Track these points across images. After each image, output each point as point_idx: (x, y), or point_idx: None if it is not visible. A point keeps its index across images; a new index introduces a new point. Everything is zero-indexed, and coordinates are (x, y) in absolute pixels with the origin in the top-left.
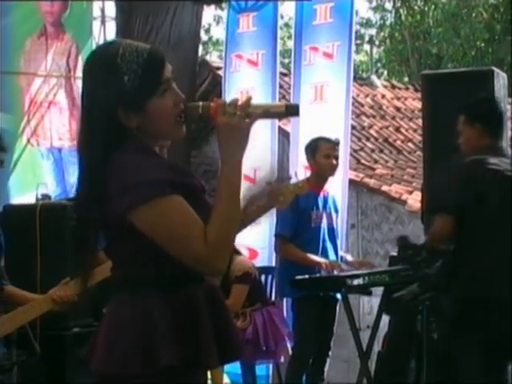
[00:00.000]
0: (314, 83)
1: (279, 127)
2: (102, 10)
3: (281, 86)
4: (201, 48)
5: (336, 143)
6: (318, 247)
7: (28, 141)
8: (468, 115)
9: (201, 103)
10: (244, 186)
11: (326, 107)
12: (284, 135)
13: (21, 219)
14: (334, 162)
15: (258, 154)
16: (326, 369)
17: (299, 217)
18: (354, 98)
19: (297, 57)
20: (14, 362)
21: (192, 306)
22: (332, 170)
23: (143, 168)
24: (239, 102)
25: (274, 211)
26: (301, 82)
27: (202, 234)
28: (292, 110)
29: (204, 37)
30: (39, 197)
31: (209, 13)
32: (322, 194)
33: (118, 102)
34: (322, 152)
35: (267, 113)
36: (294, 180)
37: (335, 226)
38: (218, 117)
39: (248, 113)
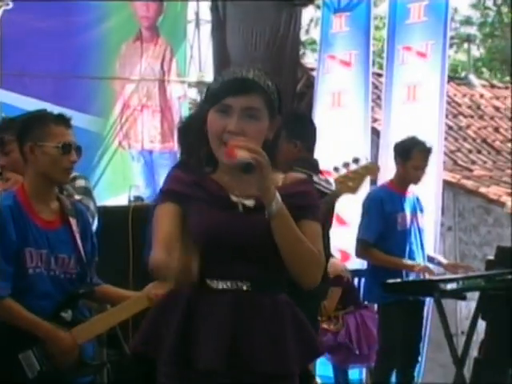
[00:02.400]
0: (406, 83)
1: (375, 128)
2: (197, 14)
3: (376, 87)
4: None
5: (429, 152)
6: (405, 250)
7: (120, 143)
8: None
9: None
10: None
11: (419, 107)
12: (378, 135)
13: (113, 221)
14: (422, 173)
15: (349, 152)
16: (416, 373)
17: (385, 220)
18: (451, 97)
19: (390, 56)
20: (104, 361)
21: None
22: (418, 180)
23: (165, 179)
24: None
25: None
26: (393, 82)
27: (161, 237)
28: (244, 169)
29: (303, 38)
30: (131, 199)
31: (308, 14)
32: (406, 196)
33: (203, 102)
34: (413, 162)
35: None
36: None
37: (421, 227)
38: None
39: None
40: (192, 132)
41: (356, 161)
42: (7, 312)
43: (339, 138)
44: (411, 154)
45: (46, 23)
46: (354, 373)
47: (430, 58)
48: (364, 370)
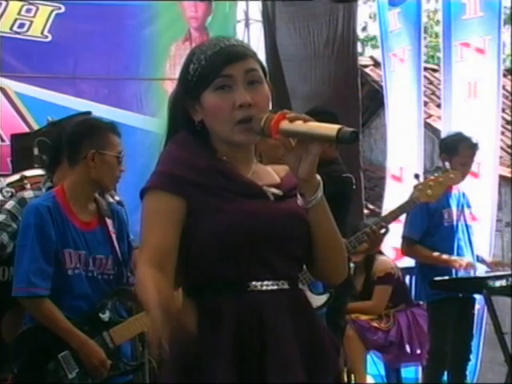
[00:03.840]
0: (466, 80)
1: (429, 124)
2: (246, 13)
3: (431, 82)
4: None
5: (476, 148)
6: (453, 246)
7: None
8: None
9: (266, 115)
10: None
11: (479, 103)
12: (434, 132)
13: None
14: (469, 169)
15: (404, 152)
16: (470, 372)
17: (430, 217)
18: (508, 91)
19: (446, 52)
20: (142, 361)
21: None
22: (464, 177)
23: (164, 159)
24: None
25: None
26: (452, 79)
27: (154, 243)
28: (344, 137)
29: (361, 35)
30: None
31: (364, 11)
32: (453, 192)
33: (183, 90)
34: (460, 158)
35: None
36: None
37: (469, 223)
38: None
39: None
40: (174, 128)
41: (438, 169)
42: (44, 314)
43: (398, 135)
44: (458, 150)
45: (97, 26)
46: (409, 371)
47: (488, 53)
48: (420, 369)
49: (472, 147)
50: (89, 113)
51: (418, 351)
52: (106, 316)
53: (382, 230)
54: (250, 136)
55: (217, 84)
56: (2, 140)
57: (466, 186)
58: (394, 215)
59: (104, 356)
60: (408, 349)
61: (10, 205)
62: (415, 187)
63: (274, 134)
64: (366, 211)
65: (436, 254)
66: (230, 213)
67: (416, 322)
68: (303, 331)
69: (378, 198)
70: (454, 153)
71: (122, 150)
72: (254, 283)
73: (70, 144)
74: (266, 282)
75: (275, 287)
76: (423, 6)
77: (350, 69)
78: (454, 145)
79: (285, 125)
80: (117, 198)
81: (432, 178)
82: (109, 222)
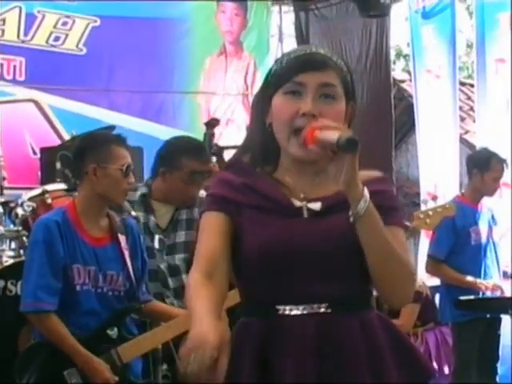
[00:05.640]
0: (503, 95)
1: (466, 140)
2: (280, 27)
3: (469, 98)
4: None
5: (505, 163)
6: (481, 265)
7: None
8: None
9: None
10: None
11: None
12: (471, 148)
13: None
14: (499, 185)
15: (439, 168)
16: None
17: (456, 235)
18: None
19: (480, 68)
20: (150, 380)
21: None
22: (494, 192)
23: (212, 183)
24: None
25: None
26: (487, 94)
27: (203, 253)
28: (342, 144)
29: (406, 50)
30: None
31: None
32: (479, 209)
33: (262, 90)
34: (493, 173)
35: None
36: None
37: (496, 242)
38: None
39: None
40: (251, 126)
41: (435, 198)
42: (49, 329)
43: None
44: (490, 165)
45: (132, 39)
46: None
47: None
48: None
49: (502, 162)
50: (113, 127)
51: (447, 371)
52: (113, 333)
53: None
54: (304, 151)
55: (287, 88)
56: (35, 153)
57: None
58: None
59: (108, 374)
60: (436, 368)
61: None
62: (415, 216)
63: (308, 144)
64: None
65: (461, 275)
66: (256, 231)
67: (445, 341)
68: (333, 353)
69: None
70: (485, 168)
71: (129, 163)
72: (282, 307)
73: (75, 159)
74: (296, 307)
75: (305, 312)
76: (457, 23)
77: (383, 84)
78: (486, 160)
79: (317, 134)
80: (133, 213)
81: (431, 207)
82: (122, 238)
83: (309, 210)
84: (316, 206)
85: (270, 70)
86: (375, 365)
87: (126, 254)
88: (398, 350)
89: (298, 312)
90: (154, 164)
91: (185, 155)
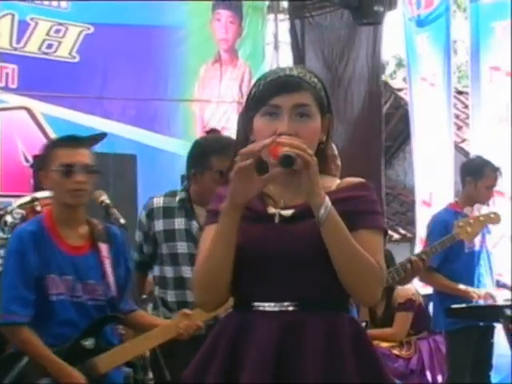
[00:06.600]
0: (498, 104)
1: (461, 148)
2: (275, 35)
3: (466, 106)
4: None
5: (498, 171)
6: (474, 273)
7: None
8: None
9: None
10: None
11: (509, 127)
12: (467, 156)
13: None
14: (493, 193)
15: (435, 177)
16: None
17: (451, 244)
18: None
19: (474, 76)
20: None
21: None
22: (488, 200)
23: (214, 195)
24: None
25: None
26: (482, 103)
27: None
28: (282, 162)
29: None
30: None
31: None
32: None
33: (245, 110)
34: (486, 181)
35: None
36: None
37: (490, 250)
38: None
39: None
40: (236, 143)
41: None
42: (22, 341)
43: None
44: (484, 173)
45: (126, 47)
46: None
47: None
48: None
49: (495, 170)
50: (104, 134)
51: (440, 380)
52: (89, 343)
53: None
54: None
55: (265, 111)
56: (27, 160)
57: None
58: (434, 250)
59: (83, 382)
60: (429, 377)
61: None
62: (456, 224)
63: (272, 158)
64: (397, 236)
65: (453, 283)
66: (238, 239)
67: (438, 349)
68: (292, 352)
69: (410, 222)
70: (479, 176)
71: (73, 160)
72: (257, 303)
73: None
74: (268, 304)
75: (276, 309)
76: (452, 31)
77: (374, 92)
78: (479, 168)
79: (278, 150)
80: (122, 220)
81: (473, 216)
82: (103, 246)
83: (281, 216)
84: (288, 212)
85: (250, 92)
86: (333, 366)
87: (107, 262)
88: (361, 356)
89: (269, 309)
90: (186, 167)
91: (214, 154)
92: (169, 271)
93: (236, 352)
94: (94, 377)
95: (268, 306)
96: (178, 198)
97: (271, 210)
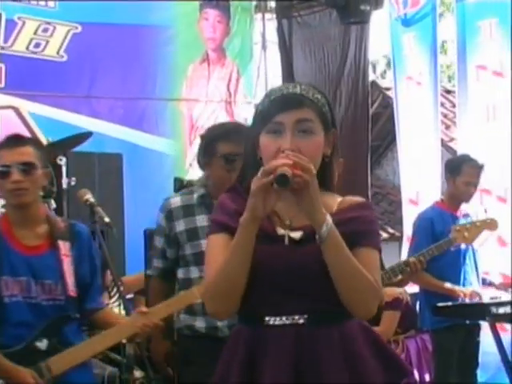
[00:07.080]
0: (484, 103)
1: (449, 147)
2: (263, 35)
3: (454, 105)
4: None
5: (481, 168)
6: (460, 271)
7: (190, 165)
8: None
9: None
10: None
11: (497, 127)
12: (454, 155)
13: None
14: (474, 189)
15: (421, 175)
16: None
17: (435, 241)
18: None
19: (461, 75)
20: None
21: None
22: (469, 197)
23: (215, 207)
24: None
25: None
26: (469, 102)
27: (211, 272)
28: (277, 181)
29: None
30: None
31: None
32: (457, 215)
33: (252, 126)
34: (463, 177)
35: None
36: (483, 215)
37: (475, 248)
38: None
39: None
40: (245, 158)
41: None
42: None
43: (418, 160)
44: (461, 170)
45: (113, 46)
46: None
47: (506, 76)
48: None
49: (476, 167)
50: (90, 133)
51: (427, 378)
52: (43, 344)
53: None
54: None
55: (269, 128)
56: None
57: (494, 211)
58: (431, 253)
59: (33, 381)
60: (417, 376)
61: None
62: (453, 228)
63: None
64: (386, 235)
65: (439, 281)
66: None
67: (425, 348)
68: (310, 359)
69: (398, 221)
70: (456, 172)
71: (8, 160)
72: (268, 318)
73: None
74: (279, 318)
75: (287, 322)
76: (441, 31)
77: (361, 91)
78: (458, 165)
79: (280, 170)
80: (106, 219)
81: (470, 221)
82: (64, 244)
83: (290, 238)
84: (297, 234)
85: (256, 110)
86: (356, 368)
87: (67, 261)
88: (381, 358)
89: (281, 322)
90: (197, 161)
91: (219, 140)
92: (194, 271)
93: (254, 364)
94: (49, 379)
95: (279, 320)
96: (196, 195)
97: (280, 231)
